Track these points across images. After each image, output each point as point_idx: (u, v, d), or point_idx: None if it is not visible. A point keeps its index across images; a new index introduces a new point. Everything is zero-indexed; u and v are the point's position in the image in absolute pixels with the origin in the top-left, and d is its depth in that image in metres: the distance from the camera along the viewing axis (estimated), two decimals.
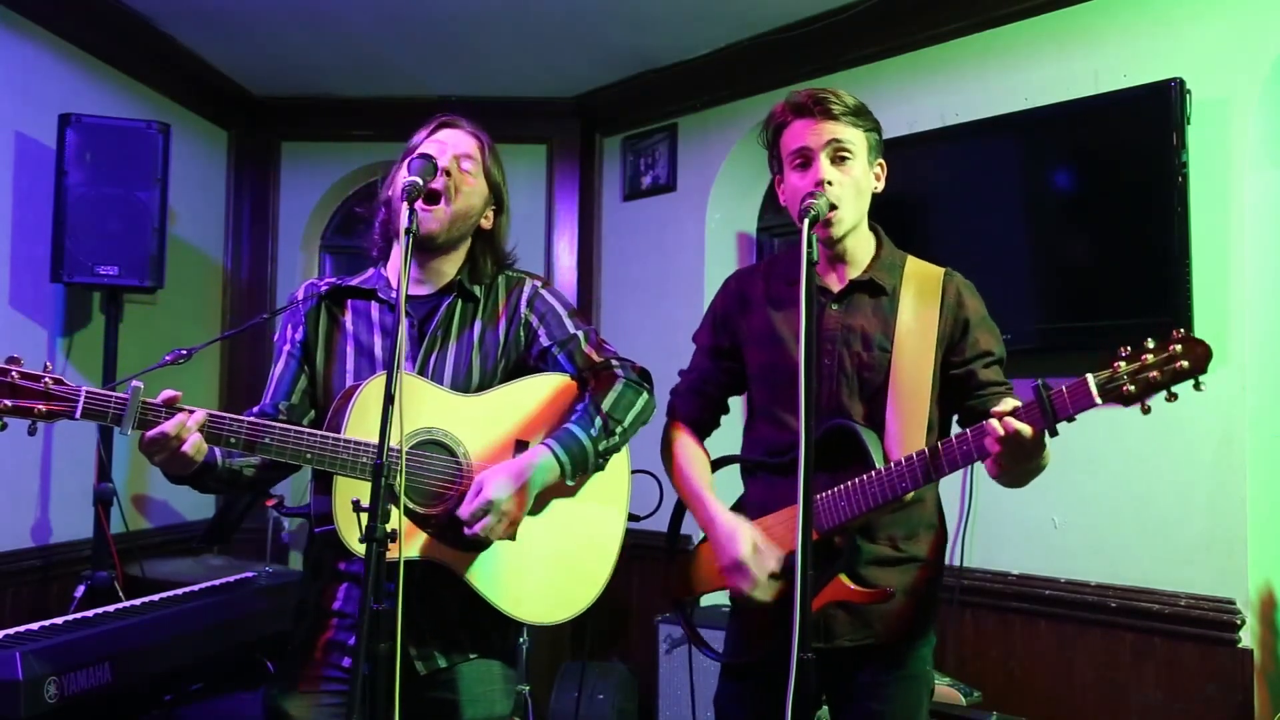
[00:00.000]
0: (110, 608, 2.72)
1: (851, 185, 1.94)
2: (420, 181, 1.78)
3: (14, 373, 1.66)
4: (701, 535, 2.12)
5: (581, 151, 4.78)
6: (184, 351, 1.85)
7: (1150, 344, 1.60)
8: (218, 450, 1.82)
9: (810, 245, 1.69)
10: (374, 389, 1.84)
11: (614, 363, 2.05)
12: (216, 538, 3.82)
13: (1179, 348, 1.58)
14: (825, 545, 1.90)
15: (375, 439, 1.69)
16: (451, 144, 1.99)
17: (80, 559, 3.57)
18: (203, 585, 3.07)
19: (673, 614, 2.19)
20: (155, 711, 2.67)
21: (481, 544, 1.89)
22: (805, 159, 1.94)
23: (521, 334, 2.05)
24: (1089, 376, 1.62)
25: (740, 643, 2.11)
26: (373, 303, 2.02)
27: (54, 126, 3.45)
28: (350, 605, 1.92)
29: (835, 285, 2.01)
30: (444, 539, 1.87)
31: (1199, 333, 2.81)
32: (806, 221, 1.74)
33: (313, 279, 2.09)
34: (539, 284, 2.10)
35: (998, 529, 3.27)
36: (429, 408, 1.89)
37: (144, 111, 3.97)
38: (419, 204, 1.80)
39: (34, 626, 2.44)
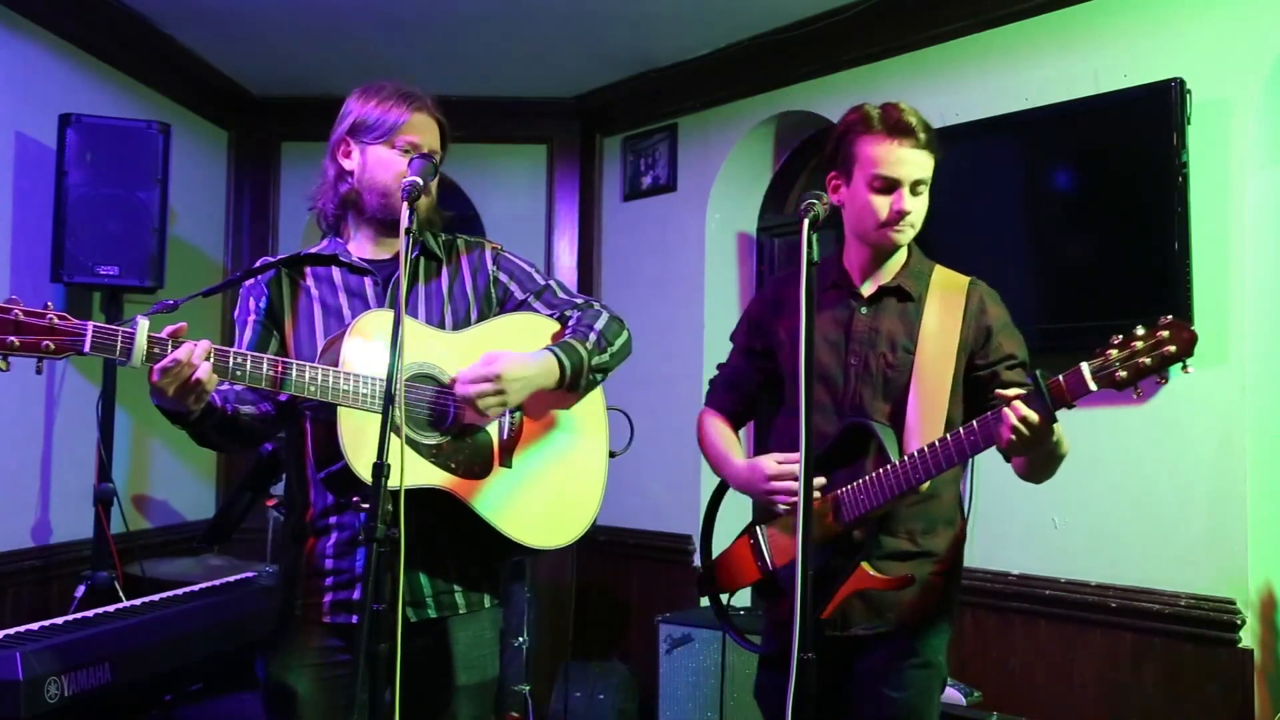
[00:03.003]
0: (110, 608, 2.72)
1: (921, 211, 2.07)
2: (421, 182, 1.81)
3: (17, 311, 1.63)
4: (733, 536, 2.25)
5: (581, 151, 4.78)
6: (170, 302, 1.87)
7: (1140, 331, 1.71)
8: (215, 395, 1.84)
9: (810, 246, 1.74)
10: (366, 322, 1.88)
11: (593, 301, 2.15)
12: (216, 538, 3.82)
13: (1166, 333, 1.70)
14: (847, 537, 2.01)
15: (372, 372, 1.80)
16: (426, 141, 2.00)
17: (80, 559, 3.56)
18: (203, 585, 3.07)
19: (709, 607, 2.36)
20: (155, 711, 2.67)
21: (482, 468, 1.94)
22: (889, 186, 2.01)
23: (493, 290, 2.10)
24: (1083, 365, 1.74)
25: (773, 633, 2.20)
26: (333, 268, 2.04)
27: (54, 126, 3.45)
28: (345, 561, 1.93)
29: (867, 290, 2.12)
30: (446, 466, 1.91)
31: (1199, 332, 2.82)
32: (806, 222, 1.77)
33: (266, 255, 2.12)
34: (498, 248, 2.17)
35: (998, 529, 3.27)
36: (414, 344, 1.93)
37: (144, 111, 3.97)
38: None
39: (34, 626, 2.43)
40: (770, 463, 2.06)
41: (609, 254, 4.71)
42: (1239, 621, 2.78)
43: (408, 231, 1.73)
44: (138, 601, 2.80)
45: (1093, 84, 3.10)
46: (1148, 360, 1.70)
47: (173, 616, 2.68)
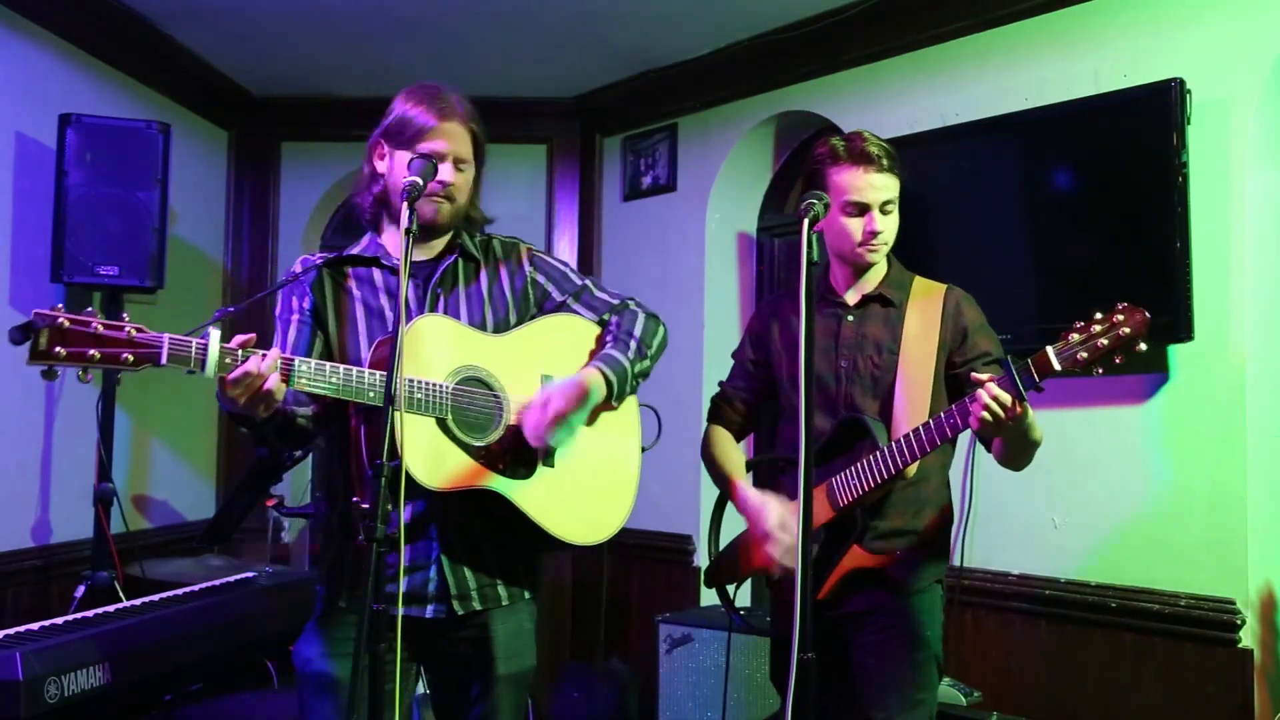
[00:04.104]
0: (110, 608, 2.72)
1: (892, 229, 2.23)
2: (420, 182, 1.83)
3: (96, 324, 1.63)
4: (737, 530, 2.36)
5: (581, 151, 4.78)
6: (230, 309, 1.89)
7: (1098, 315, 1.88)
8: None
9: (810, 246, 1.79)
10: (419, 327, 1.93)
11: (629, 301, 2.20)
12: (216, 538, 3.82)
13: (1121, 316, 1.86)
14: (844, 520, 2.16)
15: (425, 376, 1.87)
16: (452, 148, 2.01)
17: (80, 559, 3.56)
18: (203, 585, 3.07)
19: (718, 597, 2.53)
20: (155, 711, 2.67)
21: (526, 469, 2.00)
22: (861, 210, 2.19)
23: (530, 291, 2.15)
24: (1048, 348, 1.88)
25: (778, 617, 2.35)
26: (375, 269, 2.07)
27: (54, 126, 3.44)
28: (392, 556, 1.94)
29: (852, 300, 2.28)
30: (494, 468, 1.96)
31: (1199, 332, 2.85)
32: (806, 221, 1.82)
33: (306, 255, 2.13)
34: (532, 248, 2.22)
35: (998, 529, 3.27)
36: (464, 348, 1.99)
37: (144, 111, 3.97)
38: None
39: (34, 626, 2.44)
40: (774, 518, 2.16)
41: (609, 254, 4.71)
42: (1239, 621, 2.78)
43: (408, 232, 1.76)
44: (138, 601, 2.80)
45: (1093, 84, 3.10)
46: (1105, 341, 1.84)
47: (173, 616, 2.68)
